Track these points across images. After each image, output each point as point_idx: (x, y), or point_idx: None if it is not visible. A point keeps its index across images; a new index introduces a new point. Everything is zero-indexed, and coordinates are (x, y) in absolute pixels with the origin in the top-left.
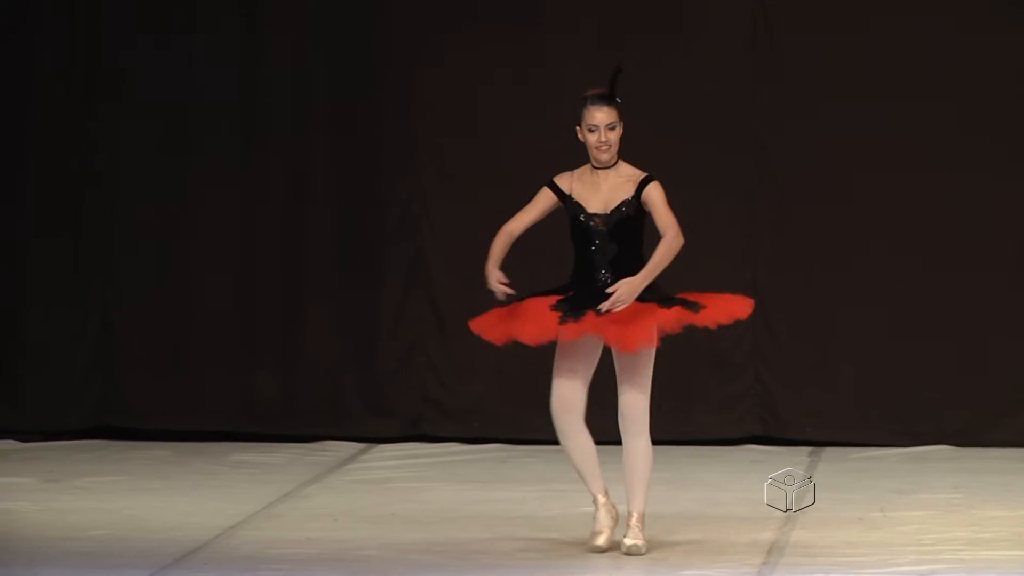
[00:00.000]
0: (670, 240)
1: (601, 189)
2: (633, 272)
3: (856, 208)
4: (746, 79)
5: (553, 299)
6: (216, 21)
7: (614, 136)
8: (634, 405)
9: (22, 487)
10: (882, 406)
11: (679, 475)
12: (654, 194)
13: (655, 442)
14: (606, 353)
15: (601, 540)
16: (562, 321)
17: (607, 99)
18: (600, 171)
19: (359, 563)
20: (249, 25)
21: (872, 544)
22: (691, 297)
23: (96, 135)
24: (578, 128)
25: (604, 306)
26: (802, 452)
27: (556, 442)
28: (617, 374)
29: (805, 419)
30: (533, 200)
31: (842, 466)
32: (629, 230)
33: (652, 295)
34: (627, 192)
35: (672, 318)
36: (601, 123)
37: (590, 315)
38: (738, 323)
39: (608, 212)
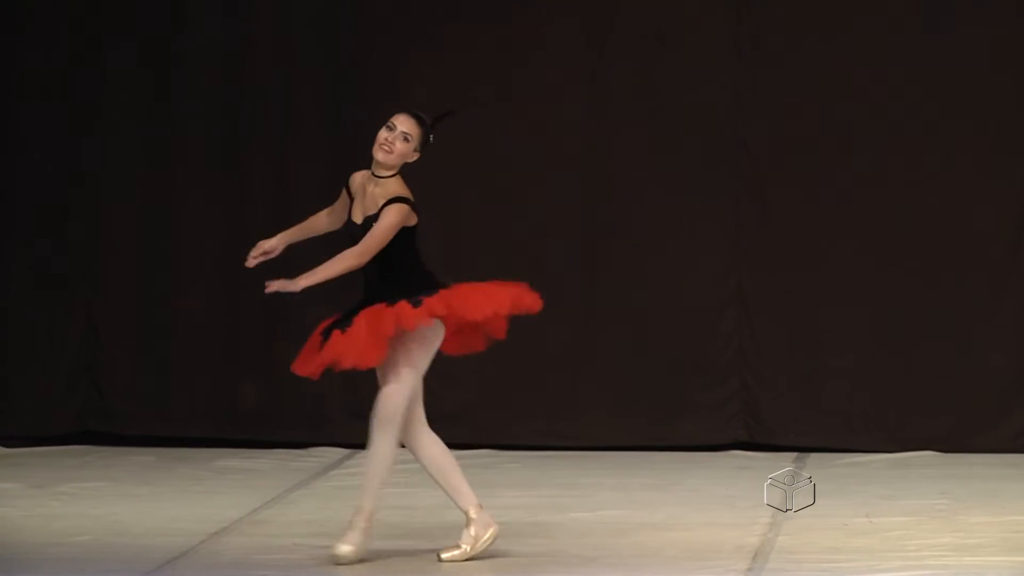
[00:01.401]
0: (351, 252)
1: (364, 198)
2: (386, 289)
3: (840, 212)
4: (730, 83)
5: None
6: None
7: (400, 146)
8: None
9: (7, 493)
10: (867, 412)
11: (664, 481)
12: (385, 215)
13: (640, 448)
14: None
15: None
16: (325, 335)
17: (418, 118)
18: (375, 179)
19: (343, 568)
20: (235, 24)
21: (857, 550)
22: (454, 285)
23: (80, 137)
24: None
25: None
26: (787, 458)
27: (543, 447)
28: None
29: (790, 425)
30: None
31: (827, 472)
32: None
33: (399, 293)
34: (376, 207)
35: (391, 315)
36: (398, 125)
37: (334, 337)
38: (722, 329)
39: (360, 223)
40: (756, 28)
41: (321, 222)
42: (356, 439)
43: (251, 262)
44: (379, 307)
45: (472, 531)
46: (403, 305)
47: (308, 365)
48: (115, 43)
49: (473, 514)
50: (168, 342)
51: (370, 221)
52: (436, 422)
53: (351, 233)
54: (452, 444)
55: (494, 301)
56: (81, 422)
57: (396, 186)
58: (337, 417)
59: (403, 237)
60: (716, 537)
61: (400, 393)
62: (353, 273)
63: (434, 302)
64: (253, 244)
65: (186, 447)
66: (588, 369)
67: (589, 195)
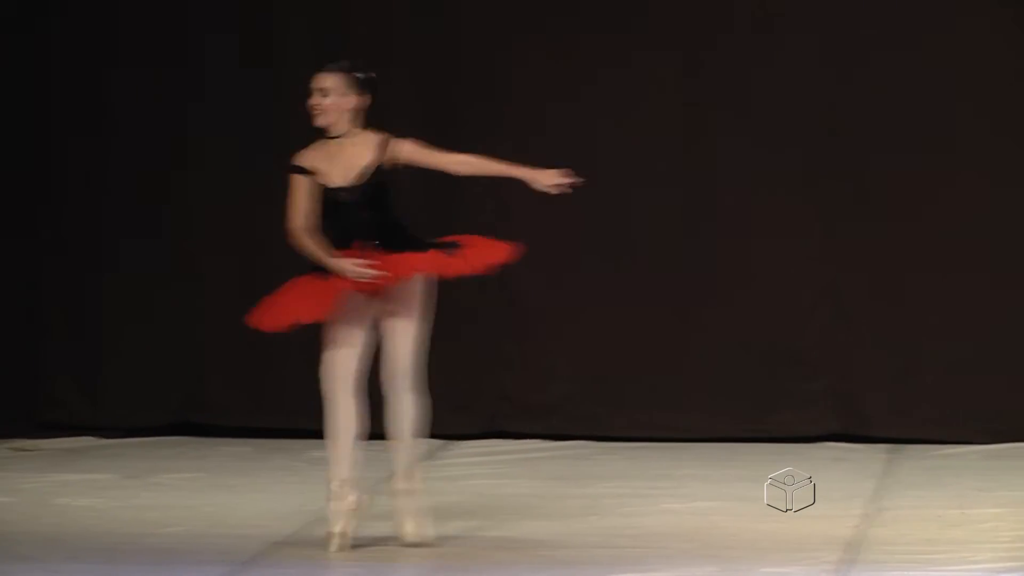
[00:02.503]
0: (471, 157)
1: (339, 159)
2: (391, 233)
3: (937, 207)
4: (829, 80)
5: (312, 276)
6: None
7: (327, 103)
8: (404, 358)
9: (102, 483)
10: (962, 403)
11: (757, 472)
12: (407, 146)
13: (734, 439)
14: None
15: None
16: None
17: (334, 67)
18: (333, 141)
19: (436, 559)
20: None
21: (950, 541)
22: (448, 239)
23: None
24: None
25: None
26: (881, 449)
27: (637, 439)
28: (384, 344)
29: (884, 416)
30: (293, 191)
31: (922, 463)
32: (376, 195)
33: (410, 248)
34: (368, 158)
35: (427, 260)
36: (315, 86)
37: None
38: (818, 321)
39: (350, 183)
40: (854, 25)
41: (308, 222)
42: (451, 430)
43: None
44: (405, 253)
45: (331, 505)
46: (435, 254)
47: (279, 317)
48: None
49: (335, 487)
50: (264, 334)
51: (366, 173)
52: (532, 412)
53: (334, 199)
54: (547, 435)
55: (479, 258)
56: (178, 414)
57: (374, 133)
58: (433, 407)
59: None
60: (809, 529)
61: (421, 351)
62: None
63: (472, 255)
64: None
65: (281, 438)
66: (684, 361)
67: (689, 190)
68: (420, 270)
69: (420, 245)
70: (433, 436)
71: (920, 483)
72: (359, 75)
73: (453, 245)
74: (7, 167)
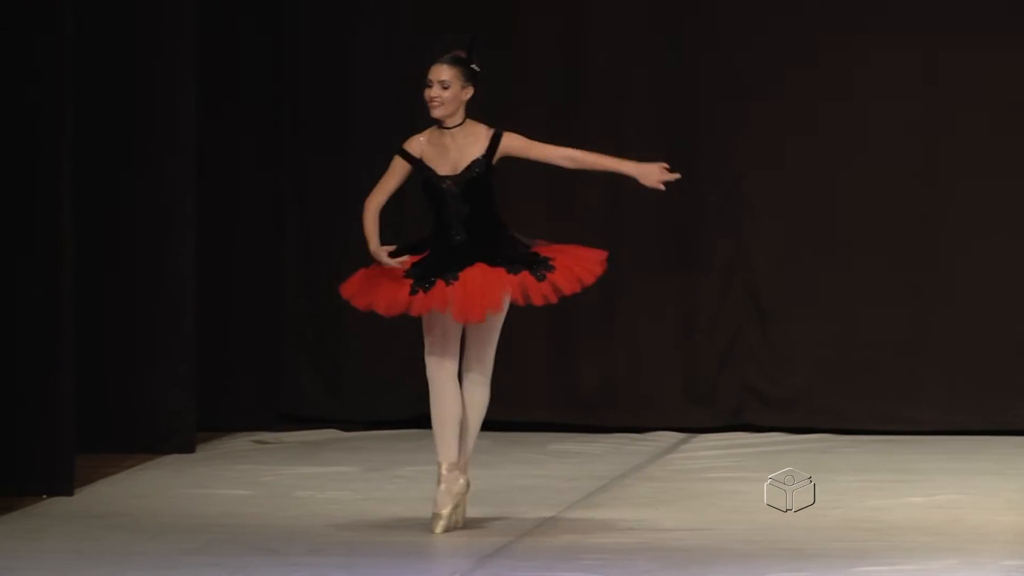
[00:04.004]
0: (577, 152)
1: (450, 150)
2: (488, 231)
3: None
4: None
5: (409, 261)
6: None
7: (447, 95)
8: (482, 358)
9: (344, 476)
10: None
11: (1002, 466)
12: (515, 140)
13: (978, 432)
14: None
15: (439, 526)
16: (412, 292)
17: (450, 59)
18: (447, 131)
19: (679, 553)
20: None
21: None
22: (543, 251)
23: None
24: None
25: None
26: None
27: (879, 432)
28: (467, 337)
29: None
30: (389, 169)
31: None
32: (480, 189)
33: (504, 254)
34: (478, 151)
35: (516, 284)
36: (434, 79)
37: (439, 285)
38: None
39: (458, 173)
40: None
41: (382, 200)
42: (692, 423)
43: (400, 264)
44: (498, 271)
45: (441, 487)
46: (526, 277)
47: (360, 298)
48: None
49: (444, 470)
50: (504, 328)
51: (474, 167)
52: (772, 405)
53: (439, 187)
54: (788, 428)
55: (569, 280)
56: (417, 406)
57: (482, 126)
58: (673, 401)
59: (495, 182)
60: None
61: (492, 355)
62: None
63: (560, 280)
64: (593, 229)
65: (521, 431)
66: (925, 353)
67: (929, 184)
68: (494, 311)
69: (511, 253)
70: (675, 429)
71: None
72: (474, 68)
73: (545, 263)
74: (255, 177)
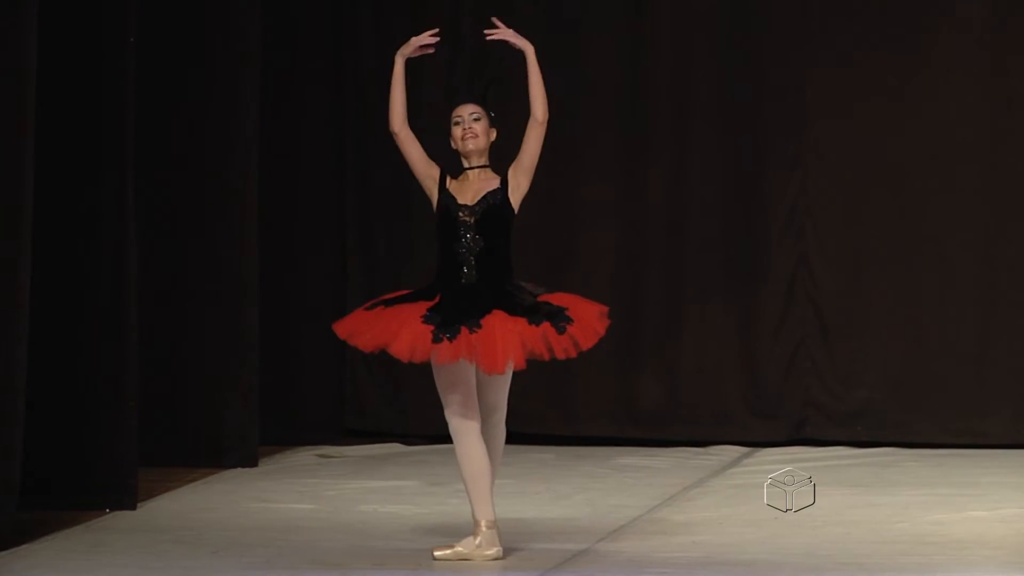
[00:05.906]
0: (535, 108)
1: (472, 183)
2: (497, 273)
3: None
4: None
5: (423, 307)
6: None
7: (479, 127)
8: (499, 405)
9: (407, 490)
10: None
11: None
12: (517, 162)
13: None
14: None
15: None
16: (435, 339)
17: (474, 99)
18: (472, 171)
19: (743, 567)
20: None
21: None
22: (555, 301)
23: None
24: (450, 138)
25: (494, 36)
26: None
27: (944, 445)
28: (482, 383)
29: None
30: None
31: None
32: (496, 220)
33: (519, 302)
34: (494, 184)
35: (539, 337)
36: (464, 114)
37: (463, 334)
38: None
39: (475, 202)
40: None
41: (404, 106)
42: (757, 437)
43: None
44: (520, 322)
45: (477, 540)
46: (547, 328)
47: (366, 337)
48: None
49: (484, 527)
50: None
51: (490, 197)
52: (836, 420)
53: (455, 217)
54: (852, 442)
55: (585, 334)
56: None
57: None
58: (737, 415)
59: (513, 223)
60: None
61: (505, 403)
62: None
63: (578, 333)
64: (648, 243)
65: (584, 446)
66: (991, 367)
67: (995, 194)
68: (516, 366)
69: (527, 302)
70: (739, 443)
71: None
72: (491, 114)
73: (560, 314)
74: (319, 189)
